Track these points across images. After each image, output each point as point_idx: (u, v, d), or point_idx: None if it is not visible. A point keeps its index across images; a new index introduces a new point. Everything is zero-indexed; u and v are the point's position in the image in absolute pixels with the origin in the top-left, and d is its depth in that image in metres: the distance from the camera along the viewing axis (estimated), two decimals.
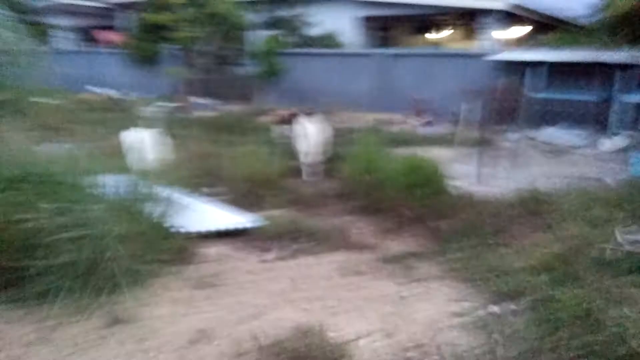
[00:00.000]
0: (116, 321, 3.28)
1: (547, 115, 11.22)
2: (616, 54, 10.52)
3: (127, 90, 15.05)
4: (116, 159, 5.17)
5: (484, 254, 4.39)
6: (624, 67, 10.52)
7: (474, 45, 16.63)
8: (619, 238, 4.28)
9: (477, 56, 12.98)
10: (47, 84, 4.74)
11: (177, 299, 3.65)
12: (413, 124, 12.22)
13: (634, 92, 10.59)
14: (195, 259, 4.36)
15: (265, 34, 16.08)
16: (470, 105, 9.39)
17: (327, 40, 16.98)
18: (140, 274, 3.75)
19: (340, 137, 8.52)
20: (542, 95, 11.45)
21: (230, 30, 14.55)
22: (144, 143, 5.17)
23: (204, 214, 5.20)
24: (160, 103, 12.38)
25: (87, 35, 22.38)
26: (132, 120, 5.64)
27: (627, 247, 4.11)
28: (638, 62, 10.08)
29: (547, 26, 16.07)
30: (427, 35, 20.34)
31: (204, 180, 6.49)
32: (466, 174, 7.44)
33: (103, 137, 6.61)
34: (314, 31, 17.11)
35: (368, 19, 17.51)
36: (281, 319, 3.40)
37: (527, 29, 17.17)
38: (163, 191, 4.40)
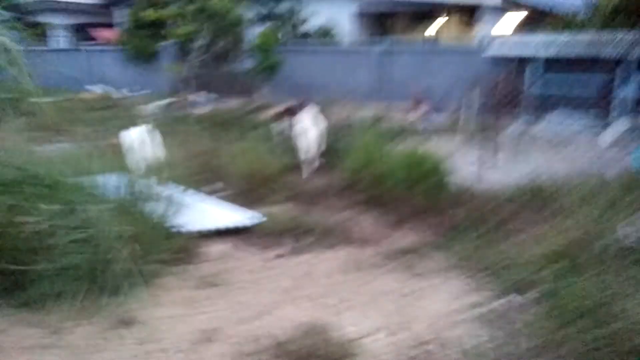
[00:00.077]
0: (120, 323, 3.26)
1: (548, 105, 11.17)
2: (615, 43, 10.45)
3: (126, 88, 14.99)
4: (116, 159, 5.14)
5: (489, 247, 4.35)
6: (624, 54, 10.46)
7: (471, 39, 16.55)
8: (621, 231, 4.24)
9: (474, 50, 12.93)
10: (45, 84, 4.69)
11: (180, 300, 3.63)
12: (413, 117, 12.16)
13: (635, 77, 10.54)
14: (197, 258, 4.33)
15: (262, 29, 15.99)
16: (471, 98, 9.35)
17: (325, 35, 16.90)
18: (142, 274, 3.72)
19: (339, 131, 8.48)
20: (541, 85, 11.39)
21: (227, 26, 14.46)
22: (143, 142, 5.12)
23: (205, 212, 5.17)
24: (158, 100, 12.34)
25: (84, 33, 22.27)
26: (130, 118, 5.57)
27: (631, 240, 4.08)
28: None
29: (542, 17, 15.98)
30: (424, 29, 20.24)
31: (204, 177, 6.45)
32: (468, 166, 7.40)
33: (102, 137, 6.56)
34: (311, 26, 17.03)
35: (365, 14, 17.42)
36: (284, 318, 3.37)
37: (523, 20, 17.09)
38: (163, 190, 4.36)
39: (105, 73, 17.74)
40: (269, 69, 15.00)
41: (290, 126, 7.90)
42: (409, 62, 14.13)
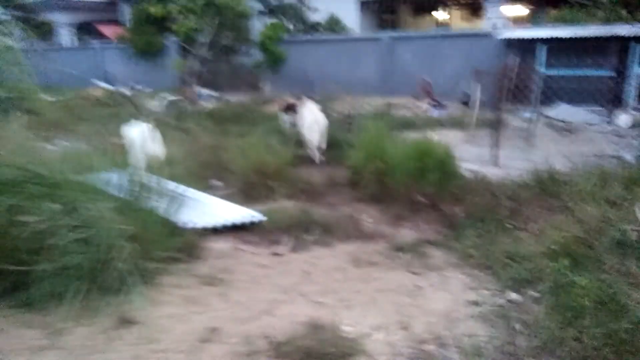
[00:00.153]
0: (125, 322, 3.21)
1: (561, 92, 10.95)
2: (631, 26, 10.19)
3: (133, 84, 14.99)
4: (120, 155, 5.09)
5: (501, 239, 4.26)
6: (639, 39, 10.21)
7: (480, 24, 16.29)
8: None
9: (484, 35, 12.71)
10: (53, 82, 4.66)
11: (187, 297, 3.57)
12: (422, 107, 12.01)
13: None
14: (204, 254, 4.27)
15: (268, 21, 15.89)
16: (481, 85, 9.18)
17: (331, 26, 16.75)
18: (148, 272, 3.67)
19: (344, 124, 8.38)
20: (554, 72, 11.17)
21: (233, 19, 14.38)
22: (145, 136, 5.05)
23: (212, 207, 5.10)
24: (164, 96, 12.31)
25: (90, 30, 22.32)
26: (136, 114, 5.52)
27: None
28: None
29: (555, 1, 15.68)
30: (433, 16, 20.01)
31: (211, 172, 6.41)
32: (479, 155, 7.28)
33: (107, 133, 6.52)
34: (318, 17, 16.87)
35: (370, 3, 17.22)
36: (294, 314, 3.31)
37: (535, 4, 16.78)
38: (165, 188, 4.30)
39: (112, 69, 17.77)
40: (275, 62, 14.91)
41: (296, 119, 7.84)
42: (417, 49, 13.95)
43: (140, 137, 5.06)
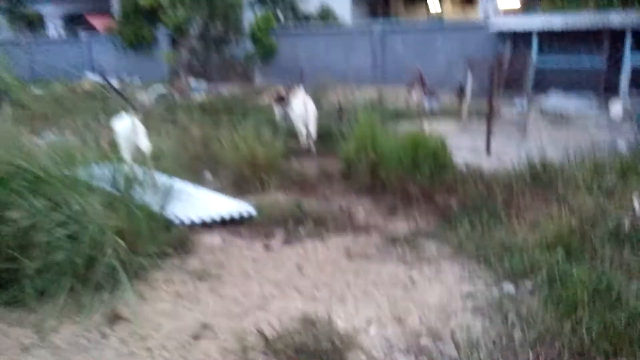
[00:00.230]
0: (117, 318, 3.16)
1: (555, 82, 10.93)
2: (626, 15, 10.17)
3: (123, 76, 14.83)
4: (110, 148, 5.00)
5: (496, 230, 4.23)
6: (634, 30, 10.20)
7: (474, 14, 16.23)
8: (637, 206, 4.10)
9: (478, 25, 12.65)
10: (39, 74, 4.56)
11: (179, 292, 3.52)
12: (415, 98, 11.94)
13: None
14: (196, 248, 4.22)
15: (259, 12, 15.73)
16: (474, 75, 9.14)
17: (324, 16, 16.61)
18: (140, 267, 3.62)
19: (336, 116, 8.32)
20: (548, 62, 11.14)
21: (224, 10, 14.21)
22: (132, 131, 4.95)
23: (204, 201, 5.04)
24: (155, 87, 12.18)
25: (80, 21, 22.02)
26: (126, 106, 5.42)
27: None
28: None
29: None
30: (422, 9, 19.90)
31: (202, 165, 6.34)
32: (473, 146, 7.25)
33: (96, 126, 6.43)
34: (310, 7, 16.72)
35: None
36: (287, 309, 3.27)
37: None
38: (154, 181, 4.23)
39: (102, 61, 17.55)
40: (267, 53, 14.78)
41: (287, 109, 7.80)
42: (410, 40, 13.88)
43: (127, 130, 4.96)
